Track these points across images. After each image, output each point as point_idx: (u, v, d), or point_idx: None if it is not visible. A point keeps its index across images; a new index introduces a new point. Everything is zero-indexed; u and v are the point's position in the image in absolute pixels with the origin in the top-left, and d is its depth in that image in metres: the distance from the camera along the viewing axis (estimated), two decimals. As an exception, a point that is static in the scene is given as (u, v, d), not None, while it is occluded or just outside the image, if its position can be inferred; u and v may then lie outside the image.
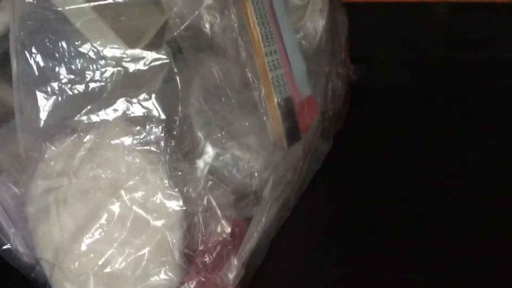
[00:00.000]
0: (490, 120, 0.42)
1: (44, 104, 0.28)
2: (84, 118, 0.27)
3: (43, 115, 0.28)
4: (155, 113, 0.27)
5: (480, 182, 0.36)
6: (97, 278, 0.26)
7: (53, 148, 0.28)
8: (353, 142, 0.41)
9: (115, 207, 0.26)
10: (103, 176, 0.27)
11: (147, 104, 0.27)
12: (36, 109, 0.28)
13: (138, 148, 0.27)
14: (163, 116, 0.27)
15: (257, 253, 0.30)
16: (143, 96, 0.27)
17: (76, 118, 0.27)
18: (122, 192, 0.27)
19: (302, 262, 0.33)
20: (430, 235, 0.33)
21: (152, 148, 0.27)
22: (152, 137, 0.27)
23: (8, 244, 0.29)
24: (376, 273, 0.31)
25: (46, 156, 0.28)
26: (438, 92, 0.45)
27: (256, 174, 0.29)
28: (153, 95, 0.27)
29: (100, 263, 0.26)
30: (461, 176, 0.37)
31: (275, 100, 0.31)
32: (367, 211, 0.35)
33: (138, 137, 0.27)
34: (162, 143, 0.27)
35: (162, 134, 0.27)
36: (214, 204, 0.28)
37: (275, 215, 0.31)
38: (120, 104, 0.27)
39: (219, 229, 0.28)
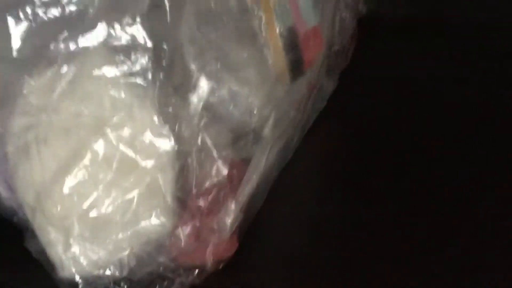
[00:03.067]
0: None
1: (17, 31, 0.25)
2: (62, 46, 0.25)
3: (16, 44, 0.25)
4: (140, 40, 0.24)
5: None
6: (82, 222, 0.24)
7: (31, 82, 0.26)
8: (360, 81, 0.38)
9: (100, 146, 0.24)
10: (85, 112, 0.25)
11: (131, 30, 0.24)
12: (8, 37, 0.25)
13: (122, 80, 0.24)
14: (149, 44, 0.24)
15: (256, 197, 0.28)
16: (127, 20, 0.24)
17: (52, 47, 0.25)
18: (107, 130, 0.24)
19: (304, 205, 0.31)
20: (435, 177, 0.32)
21: (139, 81, 0.24)
22: (138, 67, 0.24)
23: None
24: (379, 213, 0.30)
25: (25, 90, 0.26)
26: (452, 26, 0.43)
27: (255, 111, 0.27)
28: (138, 19, 0.24)
29: (84, 206, 0.24)
30: (479, 119, 0.35)
31: (277, 29, 0.28)
32: (372, 152, 0.34)
33: (122, 67, 0.24)
34: (149, 74, 0.24)
35: (150, 65, 0.24)
36: (209, 143, 0.26)
37: (276, 156, 0.29)
38: (101, 30, 0.24)
39: (215, 171, 0.26)
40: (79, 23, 0.25)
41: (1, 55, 0.26)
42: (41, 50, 0.25)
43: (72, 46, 0.25)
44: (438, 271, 0.28)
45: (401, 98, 0.37)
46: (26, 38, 0.25)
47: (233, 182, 0.27)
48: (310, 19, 0.31)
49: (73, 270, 0.25)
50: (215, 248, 0.26)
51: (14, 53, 0.25)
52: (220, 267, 0.27)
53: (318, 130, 0.34)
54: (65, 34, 0.25)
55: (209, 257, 0.26)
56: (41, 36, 0.25)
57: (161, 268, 0.26)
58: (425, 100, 0.37)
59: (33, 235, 0.26)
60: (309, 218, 0.31)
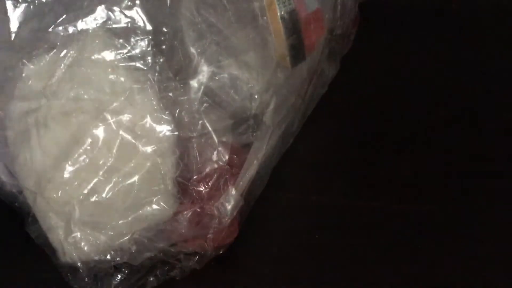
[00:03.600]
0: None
1: (15, 14, 0.25)
2: (61, 29, 0.24)
3: (14, 26, 0.25)
4: (140, 23, 0.24)
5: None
6: (83, 207, 0.24)
7: (30, 65, 0.25)
8: (361, 66, 0.38)
9: (100, 131, 0.24)
10: (85, 96, 0.24)
11: (130, 13, 0.24)
12: (7, 19, 0.25)
13: (122, 64, 0.24)
14: (149, 27, 0.24)
15: (256, 182, 0.28)
16: (125, 3, 0.24)
17: (51, 29, 0.24)
18: (107, 115, 0.24)
19: (304, 191, 0.31)
20: (435, 159, 0.32)
21: (139, 65, 0.24)
22: (137, 51, 0.24)
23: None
24: (379, 201, 0.30)
25: (24, 74, 0.26)
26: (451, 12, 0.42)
27: (256, 96, 0.26)
28: (137, 2, 0.23)
29: (85, 191, 0.24)
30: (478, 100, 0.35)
31: (278, 12, 0.28)
32: (373, 138, 0.33)
33: (121, 51, 0.24)
34: (149, 58, 0.24)
35: (149, 49, 0.24)
36: (210, 129, 0.25)
37: (276, 141, 0.28)
38: (100, 13, 0.24)
39: (215, 157, 0.26)
40: (78, 6, 0.25)
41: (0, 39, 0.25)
42: (39, 33, 0.25)
43: (71, 30, 0.24)
44: (438, 259, 0.28)
45: (404, 84, 0.37)
46: (24, 21, 0.25)
47: (233, 167, 0.26)
48: (311, 3, 0.31)
49: (74, 255, 0.24)
50: (216, 234, 0.26)
51: (13, 37, 0.25)
52: (220, 252, 0.27)
53: (319, 116, 0.34)
54: (64, 17, 0.24)
55: (209, 243, 0.26)
56: (40, 19, 0.25)
57: (161, 253, 0.26)
58: (428, 85, 0.37)
59: (34, 220, 0.26)
60: (307, 205, 0.31)
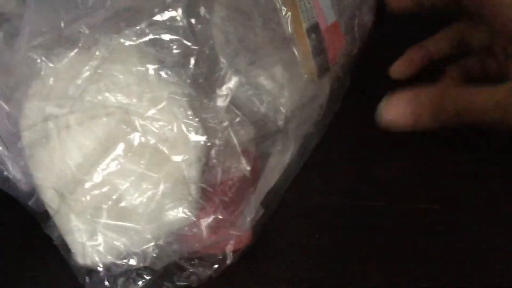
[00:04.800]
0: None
1: (34, 8, 0.24)
2: (84, 28, 0.24)
3: (30, 18, 0.24)
4: (172, 29, 0.24)
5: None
6: (110, 212, 0.24)
7: (50, 64, 0.25)
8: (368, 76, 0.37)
9: (129, 137, 0.24)
10: (113, 100, 0.24)
11: (162, 17, 0.23)
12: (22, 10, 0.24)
13: (152, 69, 0.24)
14: (181, 34, 0.23)
15: (275, 193, 0.28)
16: (158, 8, 0.23)
17: (72, 28, 0.24)
18: (136, 121, 0.24)
19: (303, 191, 0.31)
20: (435, 159, 0.32)
21: (169, 71, 0.24)
22: (169, 57, 0.24)
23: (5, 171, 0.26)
24: (379, 201, 0.30)
25: (42, 73, 0.25)
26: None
27: (282, 109, 0.26)
28: (171, 8, 0.23)
29: (114, 197, 0.24)
30: None
31: (304, 26, 0.28)
32: (373, 138, 0.33)
33: (153, 56, 0.24)
34: (180, 65, 0.24)
35: (180, 55, 0.24)
36: (234, 138, 0.25)
37: (297, 153, 0.29)
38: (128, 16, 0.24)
39: (238, 166, 0.26)
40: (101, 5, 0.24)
41: (14, 31, 0.25)
42: (59, 30, 0.24)
43: (94, 29, 0.24)
44: (438, 259, 0.28)
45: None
46: (41, 13, 0.24)
47: (254, 177, 0.27)
48: (330, 16, 0.31)
49: (96, 258, 0.24)
50: (236, 243, 0.26)
51: (28, 30, 0.24)
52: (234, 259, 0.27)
53: (335, 130, 0.34)
54: (86, 15, 0.24)
55: (229, 250, 0.26)
56: (60, 15, 0.24)
57: (180, 260, 0.26)
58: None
59: (48, 220, 0.26)
60: (308, 206, 0.31)
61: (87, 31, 0.24)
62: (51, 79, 0.25)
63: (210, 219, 0.25)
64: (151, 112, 0.24)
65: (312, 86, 0.28)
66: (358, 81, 0.37)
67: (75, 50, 0.25)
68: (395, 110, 0.32)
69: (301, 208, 0.31)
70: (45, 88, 0.25)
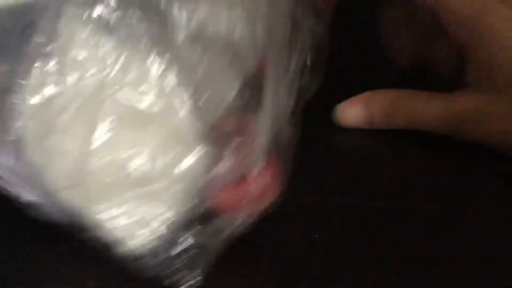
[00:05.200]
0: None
1: None
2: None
3: None
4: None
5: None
6: (128, 186, 0.24)
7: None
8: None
9: (110, 110, 0.23)
10: (87, 76, 0.24)
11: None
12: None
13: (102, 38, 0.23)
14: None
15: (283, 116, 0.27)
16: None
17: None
18: (109, 89, 0.23)
19: (303, 191, 0.31)
20: (435, 159, 0.32)
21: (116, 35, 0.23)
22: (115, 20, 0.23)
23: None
24: (379, 201, 0.31)
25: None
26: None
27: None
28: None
29: (123, 170, 0.24)
30: None
31: None
32: (373, 138, 0.34)
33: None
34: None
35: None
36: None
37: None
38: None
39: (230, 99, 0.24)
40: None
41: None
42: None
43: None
44: (438, 259, 0.28)
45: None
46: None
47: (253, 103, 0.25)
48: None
49: (134, 241, 0.24)
50: (256, 184, 0.25)
51: None
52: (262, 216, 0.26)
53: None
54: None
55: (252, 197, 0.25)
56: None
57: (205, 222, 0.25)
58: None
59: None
60: (308, 206, 0.31)
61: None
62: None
63: (222, 163, 0.24)
64: (118, 76, 0.23)
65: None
66: (359, 77, 0.37)
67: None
68: (349, 111, 0.34)
69: (300, 207, 0.31)
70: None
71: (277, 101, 0.26)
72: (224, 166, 0.25)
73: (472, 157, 0.33)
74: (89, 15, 0.24)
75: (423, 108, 0.32)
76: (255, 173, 0.25)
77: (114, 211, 0.24)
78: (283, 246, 0.29)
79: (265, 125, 0.25)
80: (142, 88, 0.24)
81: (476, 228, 0.29)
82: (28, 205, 0.26)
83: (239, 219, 0.26)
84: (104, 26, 0.24)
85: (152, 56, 0.24)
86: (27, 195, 0.25)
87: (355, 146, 0.34)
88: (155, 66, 0.24)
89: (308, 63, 0.27)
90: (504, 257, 0.28)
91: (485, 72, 0.31)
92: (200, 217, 0.25)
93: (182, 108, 0.24)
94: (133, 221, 0.24)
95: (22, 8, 0.25)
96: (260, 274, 0.27)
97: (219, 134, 0.25)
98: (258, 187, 0.26)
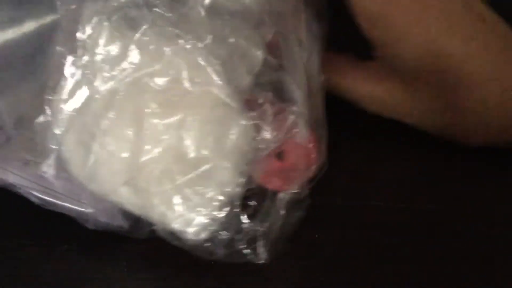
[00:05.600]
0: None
1: None
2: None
3: None
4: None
5: None
6: (183, 169, 0.24)
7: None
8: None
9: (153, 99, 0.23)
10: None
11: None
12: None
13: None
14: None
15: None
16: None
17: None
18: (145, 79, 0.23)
19: None
20: (435, 158, 0.32)
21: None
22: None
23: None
24: (379, 201, 0.31)
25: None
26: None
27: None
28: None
29: (174, 157, 0.24)
30: None
31: None
32: (373, 137, 0.34)
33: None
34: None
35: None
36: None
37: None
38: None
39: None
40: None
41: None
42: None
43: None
44: (439, 259, 0.28)
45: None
46: None
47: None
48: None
49: (193, 228, 0.24)
50: (300, 154, 0.25)
51: None
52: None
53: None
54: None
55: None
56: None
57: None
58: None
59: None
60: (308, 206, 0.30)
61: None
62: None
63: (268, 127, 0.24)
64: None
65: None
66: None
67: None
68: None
69: (299, 207, 0.30)
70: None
71: (308, 69, 0.26)
72: (266, 138, 0.25)
73: (472, 157, 0.32)
74: (110, 13, 0.24)
75: (341, 76, 0.32)
76: (298, 143, 0.26)
77: (171, 200, 0.24)
78: (282, 245, 0.28)
79: (301, 94, 0.26)
80: (174, 72, 0.24)
81: (476, 228, 0.30)
82: (78, 216, 0.26)
83: (289, 192, 0.26)
84: (126, 21, 0.24)
85: (179, 40, 0.24)
86: (75, 207, 0.26)
87: (355, 147, 0.34)
88: (184, 48, 0.24)
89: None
90: (504, 257, 0.28)
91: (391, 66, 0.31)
92: (252, 195, 0.25)
93: (218, 84, 0.24)
94: (190, 207, 0.24)
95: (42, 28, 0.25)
96: (262, 274, 0.27)
97: (254, 106, 0.25)
98: (302, 157, 0.26)
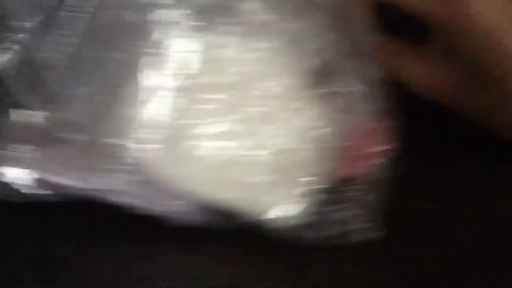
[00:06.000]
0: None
1: None
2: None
3: None
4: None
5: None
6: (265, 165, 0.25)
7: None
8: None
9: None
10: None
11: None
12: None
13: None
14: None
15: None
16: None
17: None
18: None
19: None
20: (435, 158, 0.33)
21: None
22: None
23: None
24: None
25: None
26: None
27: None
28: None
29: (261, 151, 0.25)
30: None
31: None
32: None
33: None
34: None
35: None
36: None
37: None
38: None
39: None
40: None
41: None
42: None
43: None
44: (439, 258, 0.28)
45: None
46: None
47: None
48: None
49: (287, 215, 0.25)
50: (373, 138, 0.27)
51: None
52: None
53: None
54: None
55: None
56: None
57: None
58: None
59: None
60: None
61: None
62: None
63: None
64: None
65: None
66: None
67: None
68: None
69: None
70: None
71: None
72: (340, 124, 0.26)
73: (472, 157, 0.33)
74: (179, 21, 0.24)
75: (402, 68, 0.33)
76: (370, 128, 0.27)
77: (262, 190, 0.25)
78: (283, 246, 0.29)
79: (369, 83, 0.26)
80: (249, 69, 0.25)
81: (476, 228, 0.30)
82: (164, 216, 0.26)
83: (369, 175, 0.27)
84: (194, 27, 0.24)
85: (245, 38, 0.25)
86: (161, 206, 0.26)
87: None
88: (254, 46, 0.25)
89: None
90: (504, 257, 0.28)
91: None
92: (336, 181, 0.26)
93: (291, 75, 0.25)
94: (281, 195, 0.25)
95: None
96: (262, 274, 0.27)
97: (326, 95, 0.26)
98: (375, 141, 0.27)
